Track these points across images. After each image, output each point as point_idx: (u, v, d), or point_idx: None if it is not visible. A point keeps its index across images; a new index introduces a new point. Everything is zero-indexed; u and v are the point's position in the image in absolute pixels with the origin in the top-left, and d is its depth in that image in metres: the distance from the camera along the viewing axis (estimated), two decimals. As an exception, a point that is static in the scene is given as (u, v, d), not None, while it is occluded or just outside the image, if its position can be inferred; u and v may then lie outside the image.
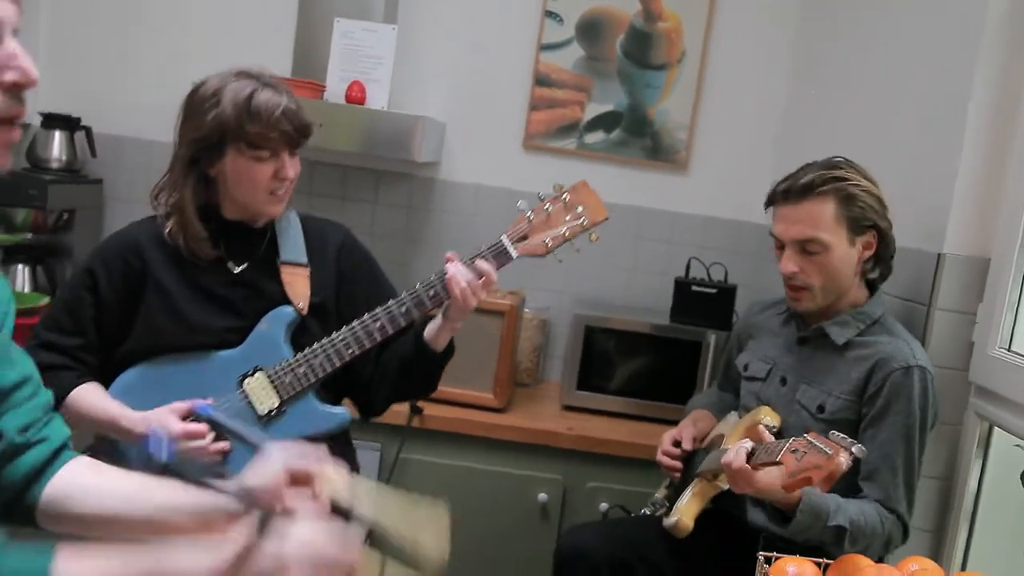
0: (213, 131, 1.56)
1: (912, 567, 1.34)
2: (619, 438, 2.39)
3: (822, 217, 1.70)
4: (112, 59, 2.87)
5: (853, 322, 1.76)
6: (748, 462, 1.57)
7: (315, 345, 1.63)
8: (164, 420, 1.51)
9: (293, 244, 1.71)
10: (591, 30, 2.85)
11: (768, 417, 1.74)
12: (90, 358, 1.63)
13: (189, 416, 1.55)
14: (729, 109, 2.87)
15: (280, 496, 1.02)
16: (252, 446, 1.19)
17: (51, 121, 2.71)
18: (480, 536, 2.37)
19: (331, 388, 1.71)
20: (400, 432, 2.32)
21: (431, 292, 1.64)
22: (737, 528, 1.82)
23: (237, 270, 1.66)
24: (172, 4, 2.86)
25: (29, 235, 2.60)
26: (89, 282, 1.63)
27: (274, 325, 1.64)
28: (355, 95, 2.53)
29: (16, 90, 0.87)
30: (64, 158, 2.72)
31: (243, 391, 1.62)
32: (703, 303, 2.60)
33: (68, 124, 2.73)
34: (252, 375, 1.63)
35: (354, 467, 1.81)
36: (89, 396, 1.58)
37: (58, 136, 2.71)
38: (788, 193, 1.75)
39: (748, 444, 1.62)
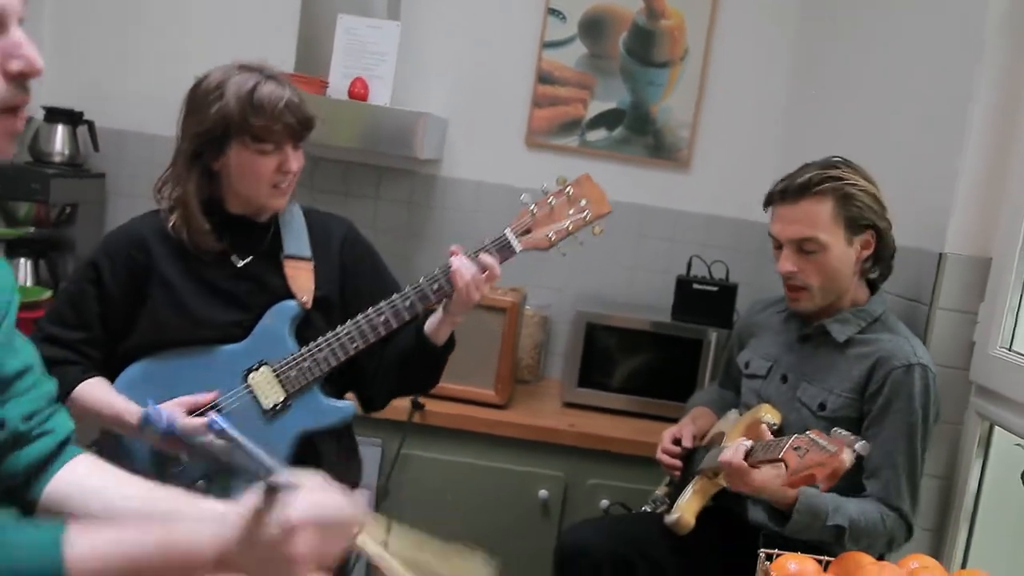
0: (216, 124, 1.55)
1: (913, 564, 1.34)
2: (620, 435, 2.40)
3: (819, 217, 1.71)
4: (115, 53, 2.87)
5: (854, 320, 1.76)
6: (746, 460, 1.58)
7: (320, 339, 1.63)
8: (172, 416, 1.51)
9: (297, 238, 1.70)
10: (594, 27, 2.85)
11: (769, 415, 1.75)
12: (95, 352, 1.63)
13: (194, 411, 1.55)
14: (731, 107, 2.87)
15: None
16: (259, 465, 1.16)
17: (54, 115, 2.71)
18: (481, 533, 2.35)
19: (335, 382, 1.71)
20: (401, 428, 2.32)
21: (435, 286, 1.64)
22: (738, 525, 1.82)
23: (241, 264, 1.66)
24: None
25: (31, 229, 2.60)
26: (93, 276, 1.63)
27: (278, 319, 1.64)
28: (358, 91, 2.54)
29: (21, 79, 0.87)
30: (67, 152, 2.72)
31: (248, 385, 1.62)
32: (704, 301, 2.60)
33: (71, 118, 2.73)
34: (257, 369, 1.63)
35: (356, 461, 1.82)
36: (94, 391, 1.57)
37: (61, 130, 2.71)
38: (785, 193, 1.75)
39: (748, 442, 1.63)
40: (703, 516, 1.74)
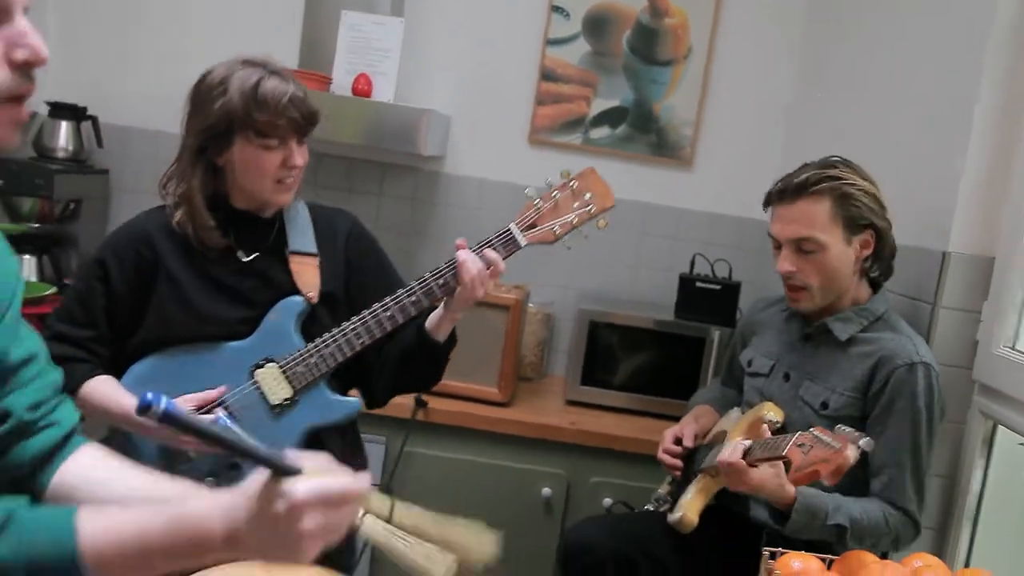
0: (221, 120, 1.55)
1: (916, 563, 1.34)
2: (623, 433, 2.40)
3: (817, 216, 1.71)
4: (119, 49, 2.87)
5: (856, 318, 1.77)
6: (744, 459, 1.59)
7: (326, 335, 1.63)
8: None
9: (302, 233, 1.70)
10: (597, 25, 2.84)
11: (771, 412, 1.75)
12: (102, 350, 1.63)
13: (202, 408, 1.55)
14: (735, 106, 2.87)
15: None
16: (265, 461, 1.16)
17: (58, 111, 2.71)
18: (483, 530, 2.38)
19: (339, 378, 1.72)
20: (405, 425, 2.32)
21: (441, 281, 1.64)
22: (740, 524, 1.83)
23: (246, 259, 1.66)
24: (179, -5, 2.87)
25: (35, 225, 2.60)
26: (100, 273, 1.63)
27: (284, 315, 1.64)
28: (361, 88, 2.54)
29: (26, 68, 0.86)
30: (71, 148, 2.72)
31: (255, 382, 1.62)
32: (707, 299, 2.60)
33: (75, 114, 2.72)
34: (263, 366, 1.63)
35: (362, 457, 1.82)
36: (102, 388, 1.57)
37: (65, 126, 2.71)
38: (783, 193, 1.76)
39: (746, 442, 1.64)
40: (706, 515, 1.74)
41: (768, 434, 1.67)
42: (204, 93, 1.58)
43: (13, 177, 2.49)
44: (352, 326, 1.63)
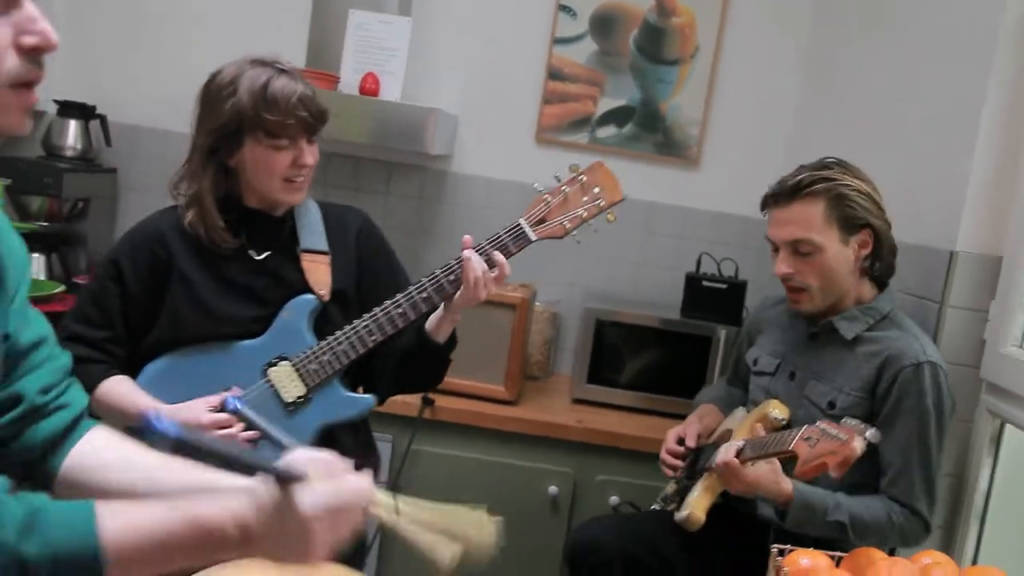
0: (231, 120, 1.56)
1: (925, 560, 1.35)
2: (629, 432, 2.40)
3: (812, 218, 1.71)
4: (127, 48, 2.88)
5: (862, 317, 1.77)
6: (737, 457, 1.60)
7: (338, 332, 1.64)
8: (195, 415, 1.52)
9: (313, 232, 1.71)
10: (604, 25, 2.85)
11: (777, 410, 1.76)
12: (118, 350, 1.64)
13: (220, 409, 1.56)
14: (741, 105, 2.87)
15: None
16: (277, 443, 1.19)
17: (67, 109, 2.72)
18: (489, 528, 2.38)
19: (352, 375, 1.72)
20: (412, 424, 2.33)
21: (451, 277, 1.64)
22: (747, 522, 1.83)
23: (258, 258, 1.67)
24: (187, -6, 2.88)
25: (44, 223, 2.61)
26: (115, 273, 1.63)
27: (297, 313, 1.65)
28: (369, 87, 2.54)
29: (35, 54, 0.86)
30: (79, 147, 2.73)
31: (268, 380, 1.63)
32: (714, 298, 2.61)
33: (83, 112, 2.74)
34: (276, 364, 1.63)
35: (374, 454, 1.82)
36: (119, 388, 1.58)
37: (73, 125, 2.73)
38: (778, 196, 1.76)
39: (739, 442, 1.66)
40: (713, 513, 1.74)
41: (761, 433, 1.69)
42: (214, 93, 1.59)
43: (22, 176, 2.51)
44: (364, 323, 1.63)
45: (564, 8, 2.84)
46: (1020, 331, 1.79)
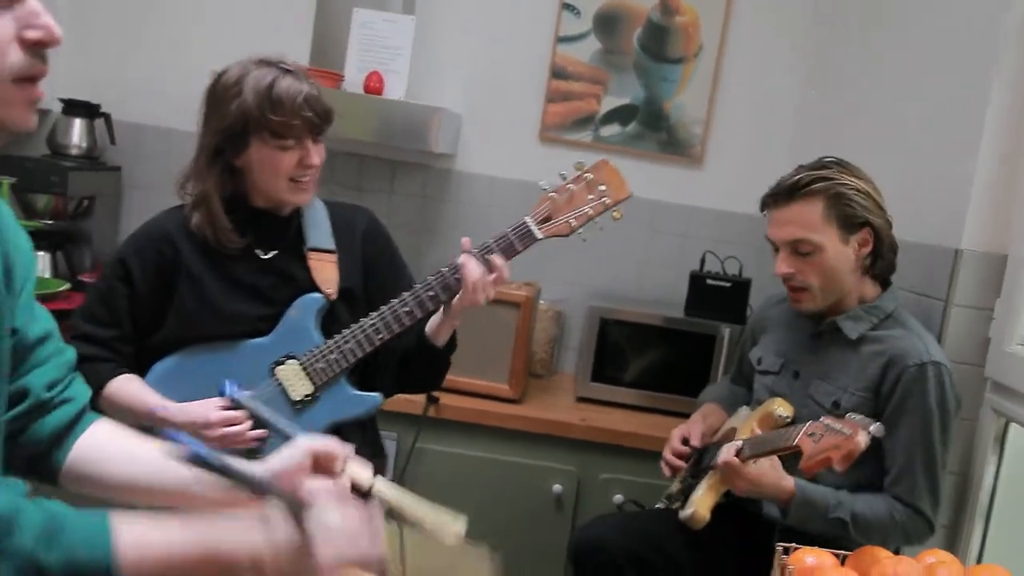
0: (236, 121, 1.56)
1: (930, 559, 1.35)
2: (633, 430, 2.40)
3: (811, 217, 1.71)
4: (132, 46, 2.88)
5: (866, 317, 1.77)
6: (737, 456, 1.62)
7: (345, 331, 1.64)
8: (203, 412, 1.53)
9: (320, 231, 1.71)
10: (608, 23, 2.85)
11: (781, 408, 1.76)
12: (126, 348, 1.64)
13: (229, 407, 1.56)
14: (745, 103, 2.87)
15: (300, 479, 1.06)
16: (280, 432, 1.21)
17: (71, 108, 2.72)
18: (494, 527, 2.37)
19: (359, 374, 1.73)
20: (416, 421, 2.33)
21: (457, 275, 1.64)
22: (752, 521, 1.83)
23: (265, 257, 1.67)
24: (192, -7, 2.88)
25: (49, 221, 2.62)
26: (122, 272, 1.64)
27: (304, 312, 1.65)
28: (373, 85, 2.54)
29: (39, 48, 0.87)
30: (84, 145, 2.74)
31: (276, 378, 1.63)
32: (718, 296, 2.61)
33: (88, 111, 2.74)
34: (284, 363, 1.64)
35: (381, 452, 1.83)
36: (127, 387, 1.59)
37: (78, 123, 2.73)
38: (777, 196, 1.77)
39: (738, 442, 1.67)
40: (717, 512, 1.75)
41: (758, 432, 1.69)
42: (219, 94, 1.59)
43: (27, 174, 2.51)
44: (371, 322, 1.64)
45: (568, 7, 2.84)
46: (1025, 329, 1.79)
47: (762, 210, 1.83)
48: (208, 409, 1.53)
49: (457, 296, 1.63)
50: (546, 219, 1.67)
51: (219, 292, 1.63)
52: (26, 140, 2.72)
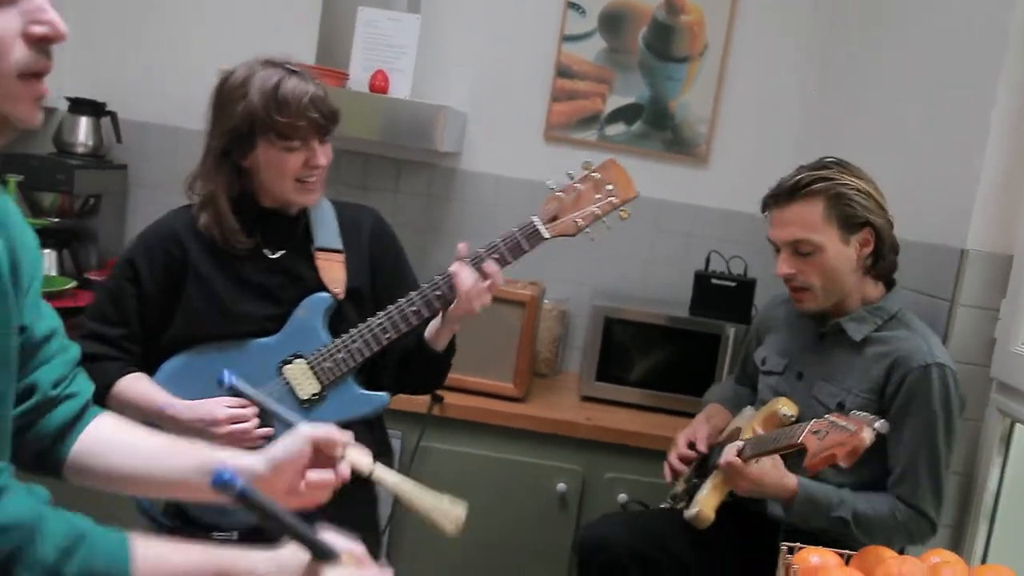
0: (243, 122, 1.56)
1: (934, 559, 1.35)
2: (637, 429, 2.40)
3: (811, 218, 1.71)
4: (138, 45, 2.89)
5: (870, 318, 1.76)
6: (739, 456, 1.63)
7: (352, 330, 1.64)
8: (211, 409, 1.53)
9: (327, 230, 1.71)
10: (613, 22, 2.85)
11: (785, 407, 1.76)
12: (134, 347, 1.65)
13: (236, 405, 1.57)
14: (750, 103, 2.87)
15: (303, 465, 1.08)
16: (281, 420, 1.22)
17: (78, 106, 2.73)
18: (498, 525, 2.39)
19: (366, 373, 1.73)
20: (420, 420, 2.33)
21: (480, 267, 1.64)
22: (756, 521, 1.83)
23: (274, 256, 1.67)
24: (198, -9, 2.89)
25: (56, 219, 2.63)
26: (131, 273, 1.64)
27: (312, 311, 1.66)
28: (378, 84, 2.55)
29: (44, 44, 0.87)
30: (90, 143, 2.75)
31: (283, 377, 1.64)
32: (722, 296, 2.60)
33: (94, 109, 2.75)
34: (292, 362, 1.64)
35: (388, 451, 1.83)
36: (136, 385, 1.60)
37: (84, 121, 2.74)
38: (777, 197, 1.77)
39: (739, 443, 1.68)
40: (722, 511, 1.75)
41: (760, 431, 1.70)
42: (225, 95, 1.59)
43: (34, 172, 2.52)
44: (378, 321, 1.64)
45: (573, 5, 2.84)
46: (1031, 330, 1.78)
47: (763, 211, 1.83)
48: (215, 407, 1.54)
49: (453, 304, 1.63)
50: (553, 218, 1.66)
51: (227, 292, 1.64)
52: (33, 138, 2.73)
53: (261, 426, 1.56)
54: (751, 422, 1.83)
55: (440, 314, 1.67)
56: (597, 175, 1.66)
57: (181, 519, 1.63)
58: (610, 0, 2.84)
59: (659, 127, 2.88)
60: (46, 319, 1.08)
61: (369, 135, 2.53)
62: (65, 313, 1.20)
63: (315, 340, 1.65)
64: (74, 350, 1.14)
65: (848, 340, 1.77)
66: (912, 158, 2.10)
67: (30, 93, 0.88)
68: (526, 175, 2.84)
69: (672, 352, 2.59)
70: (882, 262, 1.77)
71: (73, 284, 2.49)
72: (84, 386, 1.14)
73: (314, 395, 1.64)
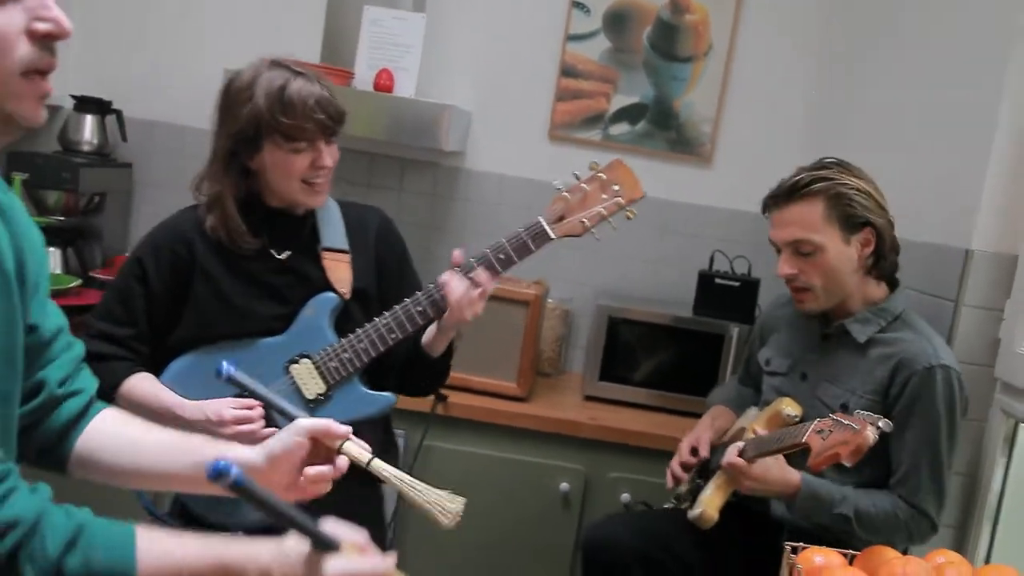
0: (249, 124, 1.57)
1: (939, 560, 1.35)
2: (641, 429, 2.40)
3: (811, 218, 1.71)
4: (143, 43, 2.90)
5: (874, 319, 1.76)
6: (741, 456, 1.64)
7: (359, 330, 1.65)
8: (218, 409, 1.54)
9: (334, 230, 1.72)
10: (618, 21, 2.85)
11: (789, 407, 1.76)
12: (142, 347, 1.65)
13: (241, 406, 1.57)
14: (755, 102, 2.86)
15: (300, 458, 1.09)
16: (282, 412, 1.22)
17: (83, 104, 2.74)
18: (501, 525, 2.39)
19: (372, 373, 1.73)
20: (424, 419, 2.34)
21: (470, 277, 1.65)
22: (760, 521, 1.83)
23: (281, 256, 1.68)
24: (203, -10, 2.89)
25: (61, 217, 2.63)
26: (139, 272, 1.65)
27: (318, 311, 1.66)
28: (383, 83, 2.55)
29: (48, 41, 0.87)
30: (95, 142, 2.75)
31: (290, 376, 1.64)
32: (726, 296, 2.60)
33: (100, 108, 2.75)
34: (298, 361, 1.65)
35: (394, 451, 1.84)
36: (143, 385, 1.60)
37: (90, 120, 2.74)
38: (777, 198, 1.77)
39: (739, 443, 1.68)
40: (726, 511, 1.75)
41: (762, 431, 1.70)
42: (232, 97, 1.59)
43: (39, 171, 2.53)
44: (384, 321, 1.64)
45: (578, 5, 2.84)
46: (1035, 330, 1.78)
47: (764, 212, 1.83)
48: (222, 407, 1.54)
49: (446, 313, 1.64)
50: (560, 219, 1.67)
51: (235, 291, 1.64)
52: (38, 137, 2.74)
53: (267, 426, 1.56)
54: (755, 422, 1.83)
55: (436, 321, 1.68)
56: (603, 175, 1.67)
57: (186, 519, 1.64)
58: (615, -1, 2.84)
59: (663, 127, 2.87)
60: (53, 317, 1.09)
61: (374, 134, 2.53)
62: (70, 311, 1.20)
63: (322, 340, 1.65)
64: (78, 347, 1.15)
65: (852, 341, 1.77)
66: (917, 158, 2.10)
67: (34, 91, 0.88)
68: (530, 174, 2.84)
69: (676, 352, 2.59)
70: (883, 262, 1.76)
71: (78, 282, 2.50)
72: (88, 382, 1.15)
73: (320, 395, 1.64)
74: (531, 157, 2.88)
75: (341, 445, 1.15)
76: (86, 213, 2.73)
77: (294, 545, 0.95)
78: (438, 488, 1.23)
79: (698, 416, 2.09)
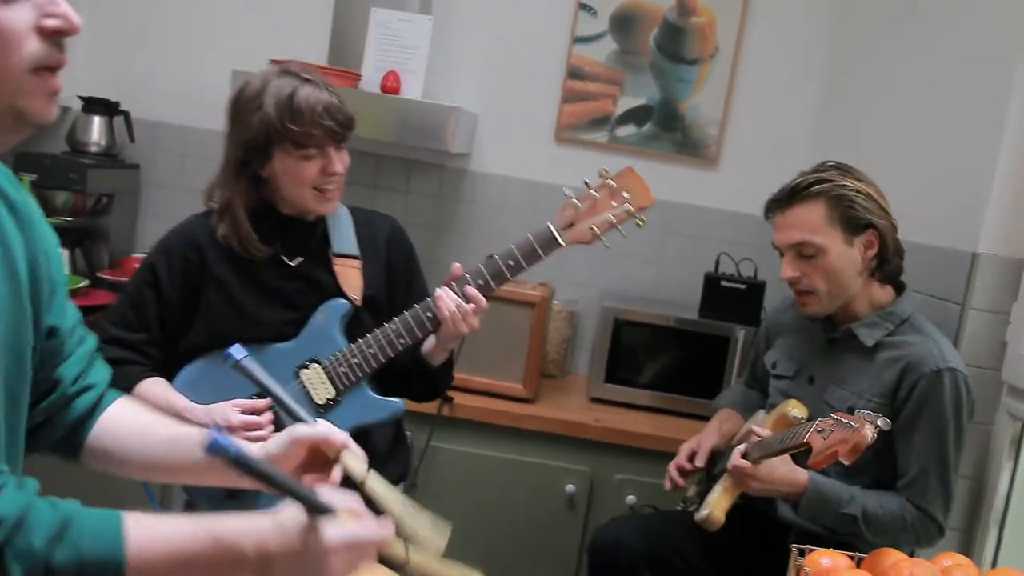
0: (259, 132, 1.58)
1: (946, 563, 1.34)
2: (646, 431, 2.40)
3: (813, 220, 1.71)
4: (151, 45, 2.90)
5: (882, 323, 1.76)
6: (745, 458, 1.64)
7: (368, 336, 1.65)
8: (226, 413, 1.54)
9: (344, 237, 1.73)
10: (624, 23, 2.85)
11: (796, 409, 1.76)
12: (154, 352, 1.67)
13: (250, 413, 1.58)
14: (761, 105, 2.87)
15: (293, 465, 1.09)
16: (285, 407, 1.22)
17: (91, 105, 2.75)
18: (506, 526, 2.39)
19: (381, 379, 1.74)
20: (430, 421, 2.33)
21: (480, 281, 1.65)
22: (767, 523, 1.83)
23: (293, 263, 1.69)
24: (210, -8, 2.90)
25: (69, 218, 2.64)
26: (151, 278, 1.66)
27: (329, 317, 1.67)
28: (390, 85, 2.55)
29: (57, 37, 0.87)
30: (103, 142, 2.76)
31: (300, 381, 1.65)
32: (732, 298, 2.60)
33: (107, 109, 2.76)
34: (308, 366, 1.65)
35: (405, 453, 1.85)
36: (155, 390, 1.62)
37: (97, 120, 2.75)
38: (779, 201, 1.78)
39: (741, 446, 1.69)
40: (733, 514, 1.75)
41: (766, 433, 1.70)
42: (241, 106, 1.60)
43: (47, 171, 2.54)
44: (393, 327, 1.65)
45: (584, 7, 2.84)
46: (1042, 334, 1.78)
47: (766, 217, 1.83)
48: (231, 412, 1.55)
49: (441, 327, 1.65)
50: (569, 225, 1.67)
51: (246, 298, 1.65)
52: (46, 137, 2.74)
53: (276, 431, 1.57)
54: (763, 424, 1.83)
55: (436, 336, 1.69)
56: (614, 183, 1.67)
57: None
58: (621, 1, 2.84)
59: (669, 129, 2.88)
60: (68, 313, 1.10)
61: (380, 136, 2.54)
62: (98, 323, 1.22)
63: (332, 345, 1.66)
64: (90, 341, 1.16)
65: (859, 345, 1.76)
66: (923, 161, 2.10)
67: (44, 88, 0.88)
68: (536, 176, 2.84)
69: (681, 354, 2.59)
70: (887, 265, 1.76)
71: (85, 283, 2.50)
72: (100, 375, 1.16)
73: (329, 400, 1.65)
74: (537, 159, 2.88)
75: (338, 455, 1.14)
76: (94, 214, 2.74)
77: (290, 516, 0.93)
78: (426, 516, 1.17)
79: (704, 418, 2.09)
